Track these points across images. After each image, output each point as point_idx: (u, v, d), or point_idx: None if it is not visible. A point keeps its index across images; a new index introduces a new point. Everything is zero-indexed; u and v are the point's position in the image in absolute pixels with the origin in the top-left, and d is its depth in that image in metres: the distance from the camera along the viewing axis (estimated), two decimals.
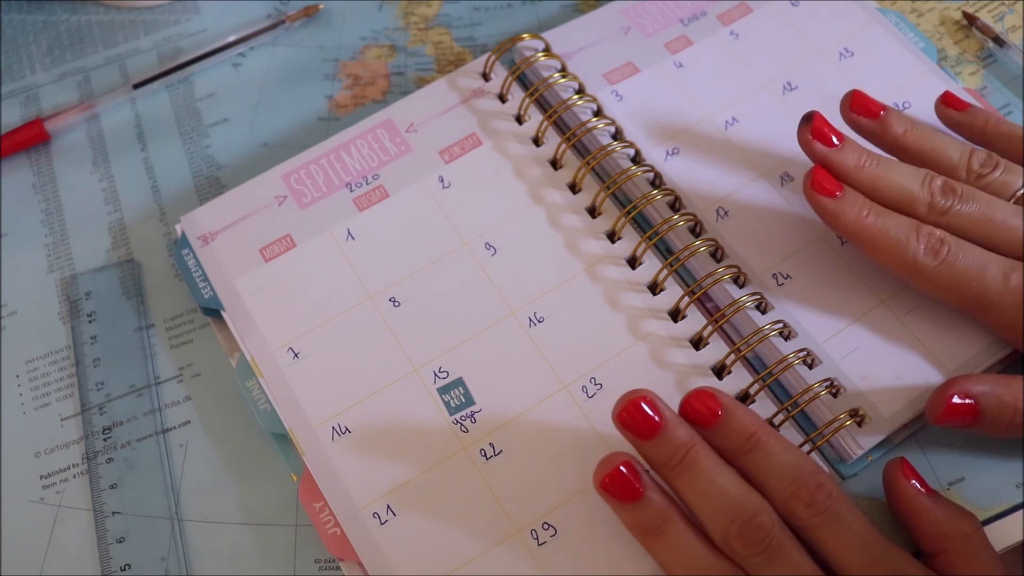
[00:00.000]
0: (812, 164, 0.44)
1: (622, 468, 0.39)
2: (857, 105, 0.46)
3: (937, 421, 0.41)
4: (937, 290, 0.42)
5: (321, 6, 0.59)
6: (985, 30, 0.54)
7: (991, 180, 0.44)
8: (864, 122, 0.46)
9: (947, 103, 0.48)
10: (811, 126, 0.44)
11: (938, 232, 0.42)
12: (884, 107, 0.46)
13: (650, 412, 0.39)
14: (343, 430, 0.43)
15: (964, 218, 0.42)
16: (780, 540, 0.37)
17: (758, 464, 0.39)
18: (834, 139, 0.44)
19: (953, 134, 0.47)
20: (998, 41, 0.53)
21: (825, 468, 0.41)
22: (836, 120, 0.45)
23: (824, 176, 0.43)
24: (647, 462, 0.40)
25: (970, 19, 0.54)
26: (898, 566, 0.36)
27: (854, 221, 0.42)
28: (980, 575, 0.37)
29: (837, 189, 0.43)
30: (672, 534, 0.38)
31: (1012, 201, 0.43)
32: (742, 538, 0.37)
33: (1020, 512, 0.41)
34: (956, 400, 0.40)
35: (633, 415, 0.39)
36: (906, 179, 0.43)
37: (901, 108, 0.50)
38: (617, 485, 0.39)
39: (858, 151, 0.44)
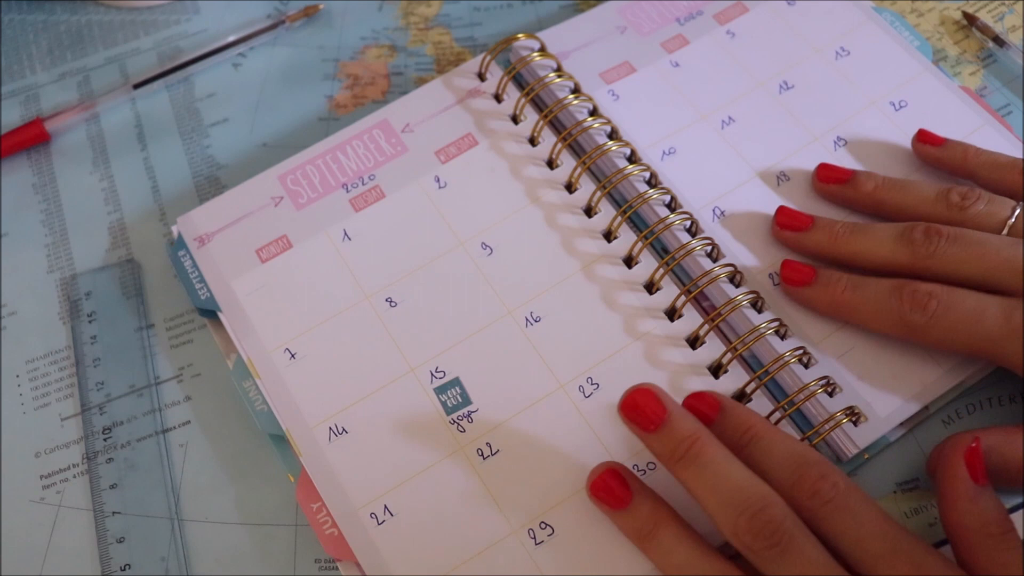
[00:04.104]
0: (810, 165, 0.44)
1: (609, 474, 0.40)
2: (824, 174, 0.47)
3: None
4: (937, 343, 0.41)
5: (321, 6, 0.59)
6: (985, 30, 0.53)
7: (976, 213, 0.43)
8: (834, 189, 0.47)
9: (923, 140, 0.48)
10: (776, 218, 0.46)
11: (924, 287, 0.41)
12: (850, 172, 0.46)
13: (654, 404, 0.39)
14: (340, 430, 0.43)
15: (953, 259, 0.41)
16: (792, 533, 0.36)
17: (757, 457, 0.38)
18: (803, 222, 0.45)
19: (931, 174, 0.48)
20: (998, 41, 0.53)
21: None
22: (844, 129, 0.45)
23: (793, 267, 0.45)
24: (653, 455, 0.39)
25: (970, 19, 0.54)
26: (919, 558, 0.35)
27: (831, 300, 0.43)
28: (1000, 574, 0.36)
29: (809, 276, 0.44)
30: (663, 537, 0.38)
31: (1004, 232, 0.43)
32: (752, 531, 0.36)
33: (1020, 512, 0.41)
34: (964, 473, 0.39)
35: (637, 407, 0.39)
36: (885, 237, 0.43)
37: (897, 107, 0.50)
38: (605, 491, 0.40)
39: (829, 226, 0.45)
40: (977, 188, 0.44)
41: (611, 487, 0.39)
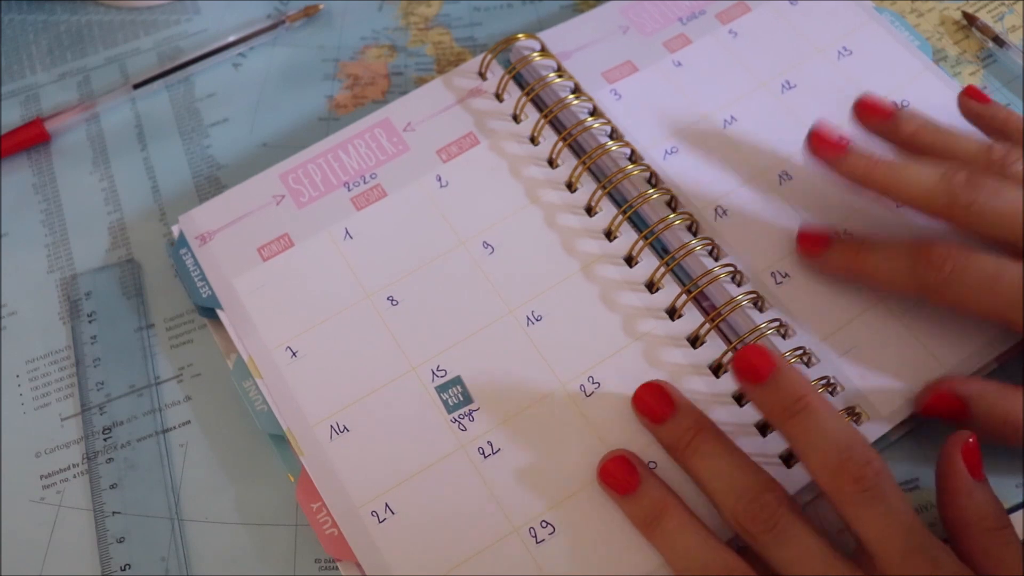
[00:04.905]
0: (812, 165, 0.44)
1: (618, 460, 0.41)
2: (866, 108, 0.46)
3: (922, 411, 0.41)
4: (952, 304, 0.41)
5: (321, 6, 0.59)
6: (985, 30, 0.53)
7: (1016, 172, 0.41)
8: (875, 124, 0.45)
9: (970, 95, 0.47)
10: (812, 134, 0.44)
11: (940, 248, 0.40)
12: (892, 108, 0.45)
13: (662, 397, 0.41)
14: (341, 428, 0.43)
15: (991, 215, 0.40)
16: (789, 518, 0.36)
17: (806, 429, 0.37)
18: (840, 142, 0.44)
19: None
20: (998, 41, 0.53)
21: None
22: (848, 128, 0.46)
23: (808, 237, 0.45)
24: (662, 446, 0.42)
25: (970, 19, 0.54)
26: (939, 559, 0.35)
27: (848, 264, 0.44)
28: (994, 573, 0.37)
29: (825, 242, 0.44)
30: (669, 524, 0.39)
31: None
32: (749, 515, 0.37)
33: (1020, 512, 0.41)
34: (945, 394, 0.40)
35: (646, 399, 0.42)
36: (925, 174, 0.42)
37: (900, 107, 0.49)
38: (613, 476, 0.41)
39: (866, 154, 0.43)
40: (1019, 148, 0.42)
41: (620, 472, 0.40)
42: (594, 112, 0.50)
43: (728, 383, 0.43)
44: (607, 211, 0.47)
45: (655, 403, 0.41)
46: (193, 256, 0.48)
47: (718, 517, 0.39)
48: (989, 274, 0.40)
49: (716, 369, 0.43)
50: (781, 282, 0.45)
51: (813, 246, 0.45)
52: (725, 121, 0.50)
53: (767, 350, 0.39)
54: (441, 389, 0.44)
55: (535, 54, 0.51)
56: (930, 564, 0.35)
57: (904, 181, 0.42)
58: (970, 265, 0.40)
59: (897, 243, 0.42)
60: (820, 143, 0.44)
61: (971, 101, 0.47)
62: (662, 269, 0.45)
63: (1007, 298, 0.39)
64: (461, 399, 0.44)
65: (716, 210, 0.47)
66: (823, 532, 0.37)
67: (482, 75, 0.52)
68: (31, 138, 0.54)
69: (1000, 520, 0.38)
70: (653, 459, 0.42)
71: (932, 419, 0.41)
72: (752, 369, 0.39)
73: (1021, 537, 0.39)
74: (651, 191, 0.46)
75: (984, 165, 0.42)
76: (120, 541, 0.44)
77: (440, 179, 0.49)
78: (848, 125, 0.49)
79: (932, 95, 0.50)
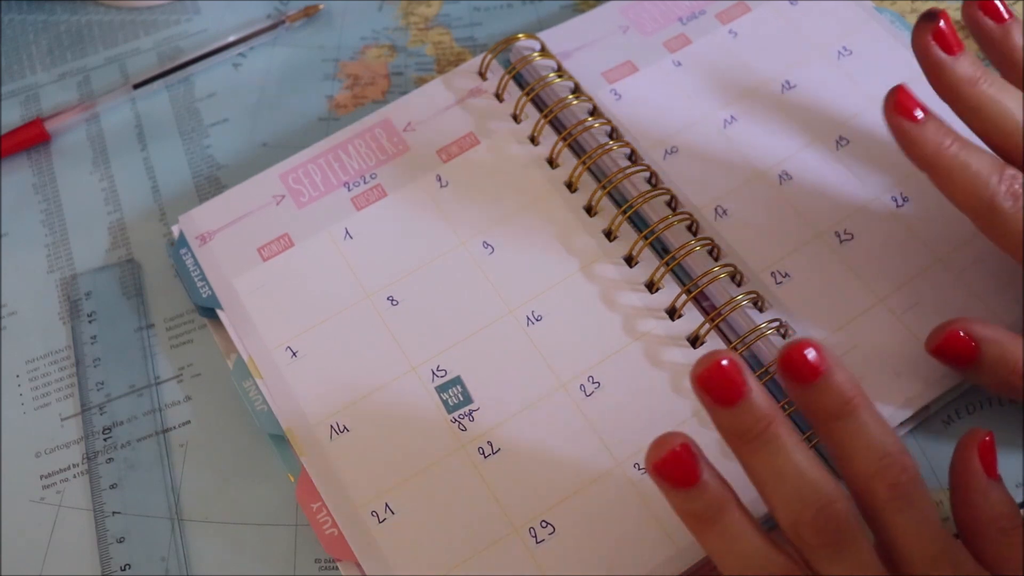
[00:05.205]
0: (812, 165, 0.44)
1: (680, 449, 0.35)
2: (985, 5, 0.42)
3: (932, 351, 0.40)
4: (1009, 239, 0.39)
5: (321, 6, 0.59)
6: None
7: None
8: (987, 24, 0.42)
9: (985, 10, 0.42)
10: (933, 27, 0.41)
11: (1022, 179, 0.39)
12: (1009, 13, 0.42)
13: (737, 376, 0.35)
14: (341, 428, 0.43)
15: None
16: (854, 533, 0.34)
17: (850, 433, 0.35)
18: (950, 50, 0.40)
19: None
20: None
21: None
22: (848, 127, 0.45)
23: (907, 96, 0.40)
24: (720, 431, 0.36)
25: None
26: (961, 563, 0.35)
27: (934, 151, 0.39)
28: (1006, 573, 0.36)
29: (919, 110, 0.40)
30: (728, 523, 0.35)
31: None
32: (815, 526, 0.34)
33: (1020, 512, 0.41)
34: (957, 334, 0.39)
35: (717, 377, 0.35)
36: (1019, 107, 0.40)
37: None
38: (674, 468, 0.35)
39: (979, 63, 0.40)
40: None
41: (684, 463, 0.35)
42: (594, 112, 0.50)
43: None
44: (607, 211, 0.47)
45: (726, 382, 0.35)
46: (193, 256, 0.48)
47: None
48: None
49: None
50: (781, 282, 0.45)
51: (909, 107, 0.40)
52: (725, 121, 0.50)
53: (821, 347, 0.35)
54: (441, 389, 0.44)
55: (535, 54, 0.51)
56: (953, 568, 0.34)
57: (998, 104, 0.40)
58: None
59: (985, 157, 0.39)
60: (940, 36, 0.41)
61: (984, 17, 0.42)
62: (662, 269, 0.45)
63: None
64: (461, 399, 0.44)
65: (716, 210, 0.47)
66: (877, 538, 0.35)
67: (482, 75, 0.52)
68: (31, 138, 0.54)
69: (1013, 520, 0.37)
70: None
71: (940, 359, 0.40)
72: (804, 369, 0.35)
73: None
74: (651, 191, 0.46)
75: None
76: (120, 541, 0.44)
77: (440, 179, 0.49)
78: (848, 125, 0.49)
79: (932, 95, 0.50)
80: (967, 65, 0.40)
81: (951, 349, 0.40)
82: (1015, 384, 0.39)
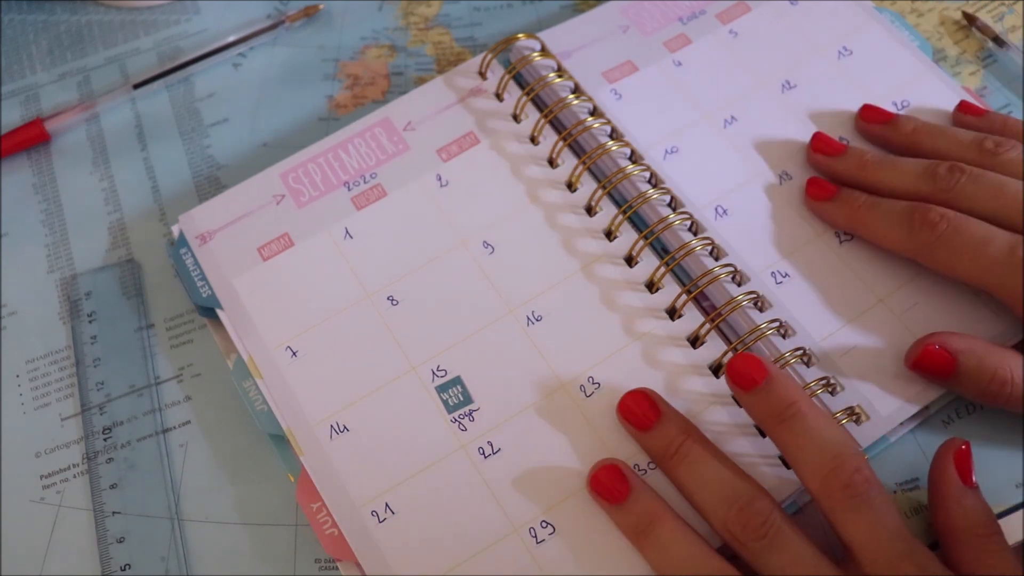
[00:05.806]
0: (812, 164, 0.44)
1: (608, 469, 0.40)
2: (868, 114, 0.48)
3: (911, 366, 0.42)
4: (942, 265, 0.42)
5: (321, 6, 0.59)
6: (985, 30, 0.53)
7: (1007, 159, 0.44)
8: (875, 128, 0.48)
9: (963, 110, 0.49)
10: (812, 142, 0.48)
11: (937, 209, 0.42)
12: (892, 113, 0.48)
13: (647, 405, 0.41)
14: (341, 428, 0.43)
15: (970, 195, 0.43)
16: (780, 525, 0.37)
17: (797, 435, 0.38)
18: (836, 148, 0.47)
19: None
20: (998, 41, 0.53)
21: None
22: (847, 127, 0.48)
23: (817, 184, 0.47)
24: (648, 455, 0.41)
25: (970, 19, 0.54)
26: (925, 565, 0.36)
27: (849, 215, 0.45)
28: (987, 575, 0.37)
29: (831, 192, 0.46)
30: (659, 534, 0.38)
31: None
32: (741, 523, 0.37)
33: (1020, 512, 0.41)
34: (935, 348, 0.41)
35: (631, 406, 0.41)
36: (911, 170, 0.45)
37: (900, 107, 0.50)
38: (603, 486, 0.40)
39: (859, 154, 0.46)
40: (1012, 140, 0.45)
41: (609, 482, 0.40)
42: (594, 112, 0.50)
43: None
44: (607, 211, 0.47)
45: (640, 410, 0.41)
46: (193, 256, 0.48)
47: (705, 525, 0.39)
48: (979, 239, 0.41)
49: (716, 369, 0.43)
50: (781, 282, 0.45)
51: (820, 192, 0.46)
52: (725, 121, 0.50)
53: (759, 358, 0.40)
54: (441, 389, 0.44)
55: (535, 54, 0.51)
56: (916, 569, 0.35)
57: (891, 176, 0.45)
58: (963, 228, 0.41)
59: (897, 203, 0.44)
60: (821, 143, 0.47)
61: (966, 116, 0.48)
62: (662, 269, 0.45)
63: (993, 264, 0.41)
64: (461, 399, 0.44)
65: (716, 210, 0.47)
66: (812, 538, 0.37)
67: (482, 75, 0.52)
68: (31, 138, 0.54)
69: (990, 527, 0.38)
70: (651, 462, 0.42)
71: (919, 374, 0.42)
72: (745, 376, 0.39)
73: (1022, 536, 0.40)
74: (651, 191, 0.46)
75: (977, 154, 0.44)
76: (120, 541, 0.44)
77: (440, 178, 0.49)
78: (848, 124, 0.49)
79: (932, 95, 0.50)
80: (851, 157, 0.47)
81: (929, 363, 0.41)
82: (994, 392, 0.41)
